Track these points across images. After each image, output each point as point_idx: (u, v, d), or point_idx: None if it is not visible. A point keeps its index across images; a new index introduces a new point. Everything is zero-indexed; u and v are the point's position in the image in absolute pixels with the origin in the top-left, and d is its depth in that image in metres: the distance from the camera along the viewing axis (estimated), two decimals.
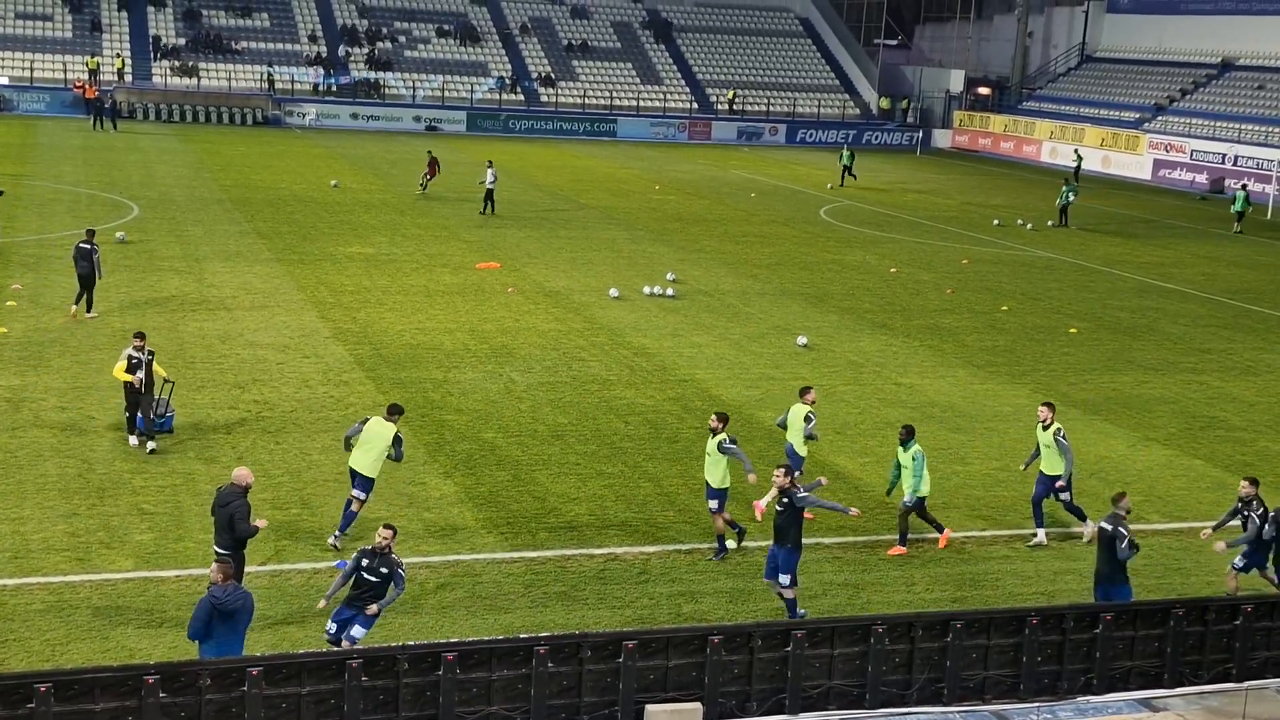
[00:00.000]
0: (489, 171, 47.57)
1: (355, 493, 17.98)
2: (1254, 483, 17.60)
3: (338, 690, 12.46)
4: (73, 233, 38.53)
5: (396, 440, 17.99)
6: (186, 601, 15.56)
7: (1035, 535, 19.71)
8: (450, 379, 26.35)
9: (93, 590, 16.31)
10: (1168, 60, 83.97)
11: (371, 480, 18.00)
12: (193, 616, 13.12)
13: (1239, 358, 32.15)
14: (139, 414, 21.32)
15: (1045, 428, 19.63)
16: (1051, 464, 19.53)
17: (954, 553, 19.22)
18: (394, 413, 18.32)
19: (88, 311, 29.26)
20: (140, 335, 21.76)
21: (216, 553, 15.46)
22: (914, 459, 18.95)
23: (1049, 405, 19.98)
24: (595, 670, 13.19)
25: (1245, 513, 17.38)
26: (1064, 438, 19.50)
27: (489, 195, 47.56)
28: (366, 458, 17.89)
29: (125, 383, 21.34)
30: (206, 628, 12.97)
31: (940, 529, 19.42)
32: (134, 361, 21.26)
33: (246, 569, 17.04)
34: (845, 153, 64.18)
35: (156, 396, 21.73)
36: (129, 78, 76.66)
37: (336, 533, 17.93)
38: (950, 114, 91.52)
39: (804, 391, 20.70)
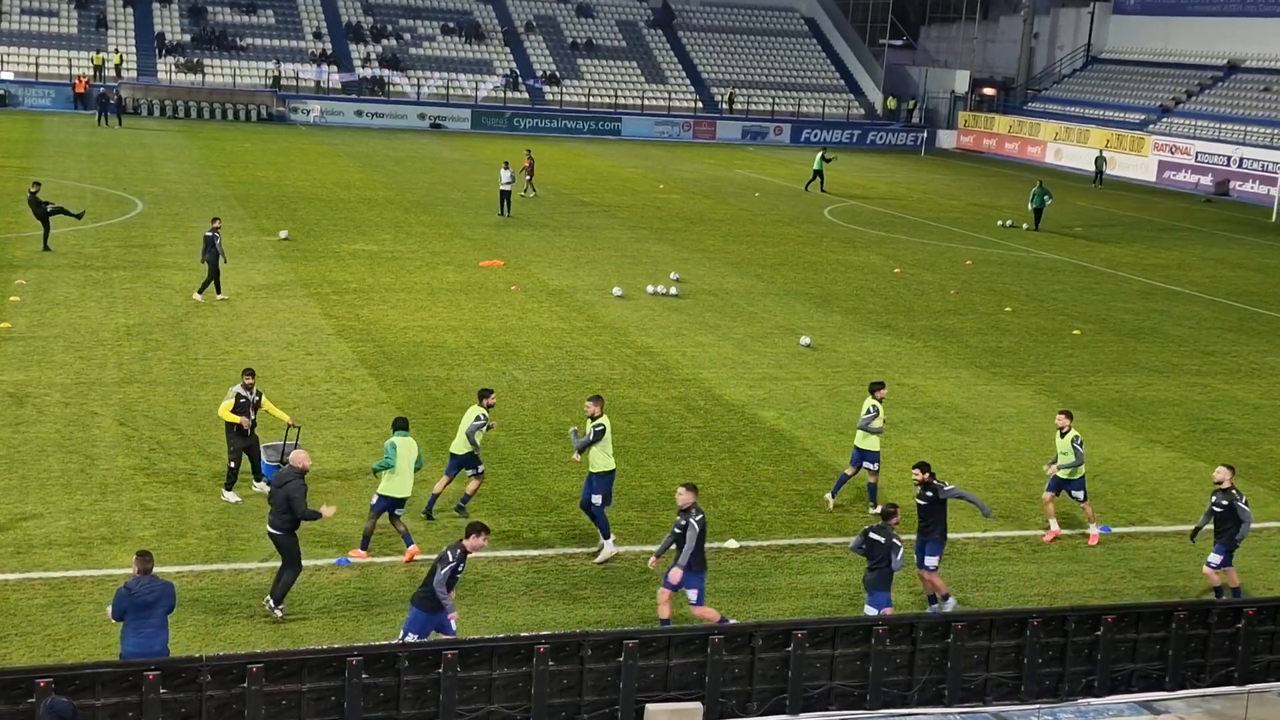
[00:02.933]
0: (504, 172, 47.12)
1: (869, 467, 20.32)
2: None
3: (338, 687, 12.46)
4: (78, 228, 38.56)
5: None
6: (188, 598, 15.60)
7: (601, 547, 18.22)
8: (453, 377, 26.35)
9: (94, 586, 16.31)
10: (1173, 62, 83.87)
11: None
12: (113, 602, 13.21)
13: (1244, 360, 32.11)
14: (243, 460, 19.46)
15: (593, 418, 18.27)
16: (596, 461, 18.13)
17: (956, 553, 19.20)
18: None
19: (216, 293, 31.12)
20: (250, 373, 19.70)
21: (270, 533, 15.88)
22: (391, 447, 17.49)
23: (595, 399, 18.57)
24: (596, 669, 13.18)
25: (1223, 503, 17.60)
26: (595, 433, 18.07)
27: (505, 196, 46.91)
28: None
29: (230, 424, 19.35)
30: (122, 615, 13.06)
31: (409, 545, 17.67)
32: (242, 401, 19.27)
33: (246, 566, 17.09)
34: (821, 156, 61.20)
35: (281, 441, 19.88)
36: (129, 74, 76.70)
37: None
38: (955, 115, 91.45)
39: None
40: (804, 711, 13.74)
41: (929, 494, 16.89)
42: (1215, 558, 17.55)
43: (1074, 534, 20.21)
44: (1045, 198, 52.13)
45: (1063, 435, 19.76)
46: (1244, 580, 18.75)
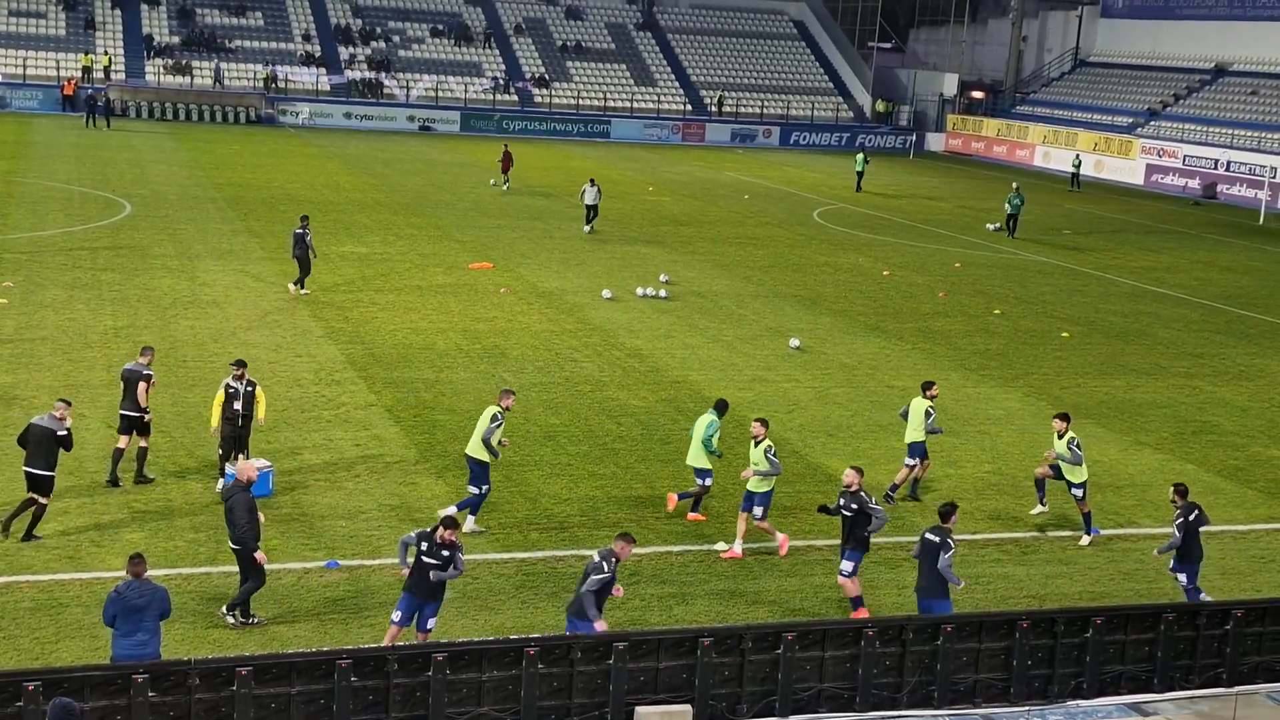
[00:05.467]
0: (589, 189, 45.76)
1: None
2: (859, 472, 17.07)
3: (327, 690, 12.44)
4: (66, 230, 38.47)
5: None
6: (176, 601, 15.50)
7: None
8: (443, 379, 26.32)
9: (83, 588, 16.27)
10: (1161, 65, 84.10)
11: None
12: (104, 606, 13.29)
13: (1231, 363, 32.20)
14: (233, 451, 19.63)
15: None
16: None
17: None
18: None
19: (301, 289, 32.54)
20: (239, 364, 20.10)
21: (231, 548, 15.76)
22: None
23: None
24: (586, 672, 13.17)
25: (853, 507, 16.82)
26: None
27: (593, 210, 45.69)
28: None
29: (223, 415, 19.66)
30: (113, 619, 13.09)
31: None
32: (231, 391, 19.64)
33: (234, 569, 17.01)
34: (860, 157, 64.47)
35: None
36: (117, 75, 76.52)
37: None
38: (944, 117, 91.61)
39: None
40: (793, 714, 13.74)
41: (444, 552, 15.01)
42: (847, 565, 16.70)
43: (1064, 535, 20.26)
44: (1015, 201, 51.43)
45: (756, 444, 18.62)
46: (1232, 582, 18.84)
